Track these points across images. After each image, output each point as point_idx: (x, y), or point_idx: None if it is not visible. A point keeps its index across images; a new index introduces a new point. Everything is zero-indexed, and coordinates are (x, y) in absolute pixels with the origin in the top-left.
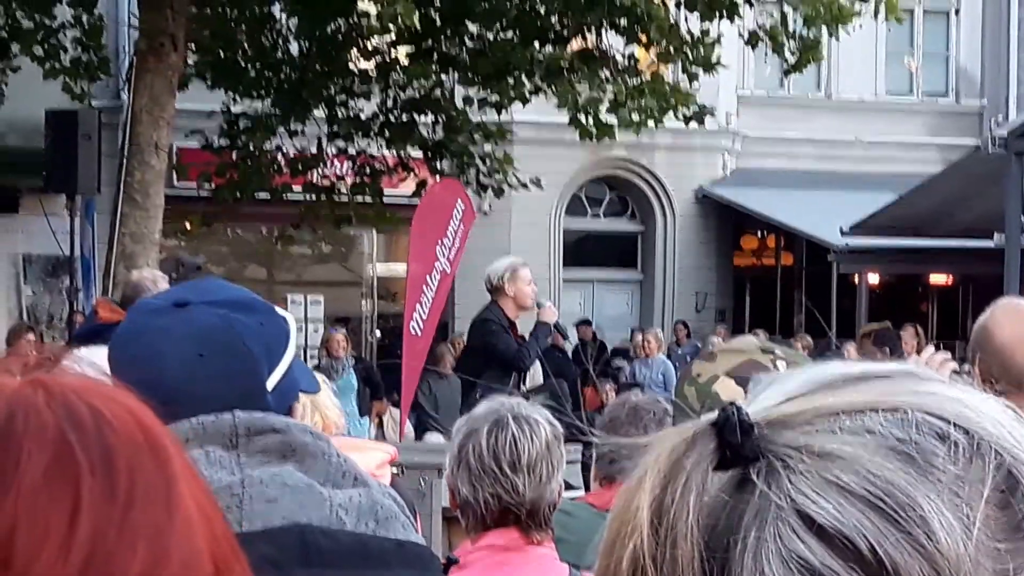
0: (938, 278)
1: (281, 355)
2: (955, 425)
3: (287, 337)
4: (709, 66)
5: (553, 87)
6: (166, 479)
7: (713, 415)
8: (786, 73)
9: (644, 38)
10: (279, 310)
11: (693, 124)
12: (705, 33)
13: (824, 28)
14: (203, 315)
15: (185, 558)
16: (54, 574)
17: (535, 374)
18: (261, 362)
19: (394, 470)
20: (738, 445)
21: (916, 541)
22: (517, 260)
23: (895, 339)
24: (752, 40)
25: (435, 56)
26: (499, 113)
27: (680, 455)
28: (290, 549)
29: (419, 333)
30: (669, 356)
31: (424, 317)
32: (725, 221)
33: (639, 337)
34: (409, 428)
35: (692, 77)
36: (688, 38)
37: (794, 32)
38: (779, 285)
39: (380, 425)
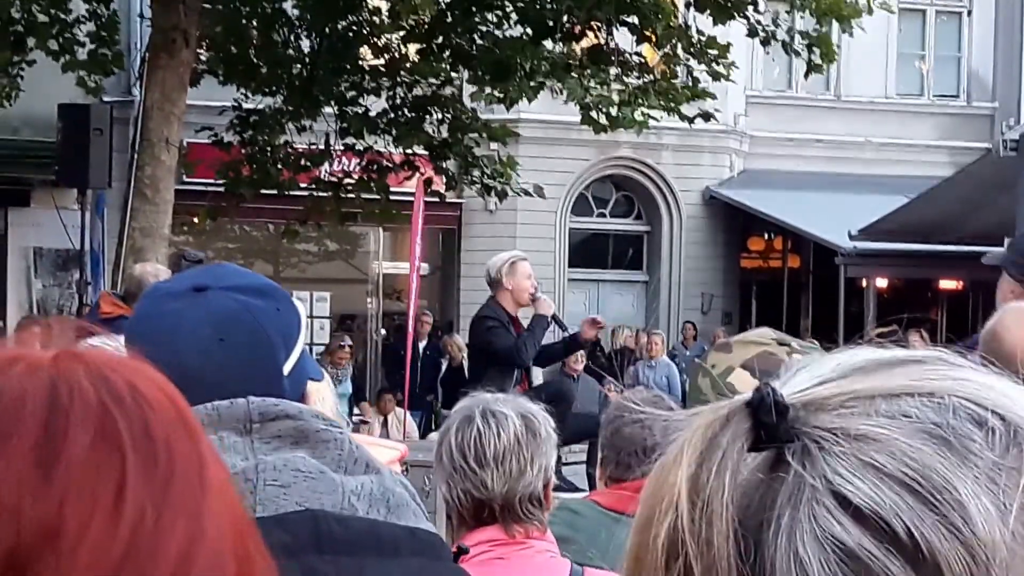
0: (948, 283)
1: (295, 341)
2: (992, 412)
3: (300, 324)
4: (717, 75)
5: (562, 83)
6: (199, 455)
7: (747, 395)
8: (805, 75)
9: (652, 36)
10: (292, 298)
11: (699, 122)
12: (713, 39)
13: (834, 24)
14: (222, 299)
15: (217, 534)
16: (102, 548)
17: (537, 375)
18: (279, 348)
19: (399, 468)
20: (773, 426)
21: (952, 524)
22: (517, 254)
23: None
24: (765, 40)
25: (445, 53)
26: (508, 107)
27: (716, 433)
28: (303, 535)
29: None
30: (674, 357)
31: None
32: (732, 222)
33: (643, 339)
34: (413, 426)
35: (695, 81)
36: (698, 40)
37: (804, 31)
38: (786, 288)
39: (385, 424)
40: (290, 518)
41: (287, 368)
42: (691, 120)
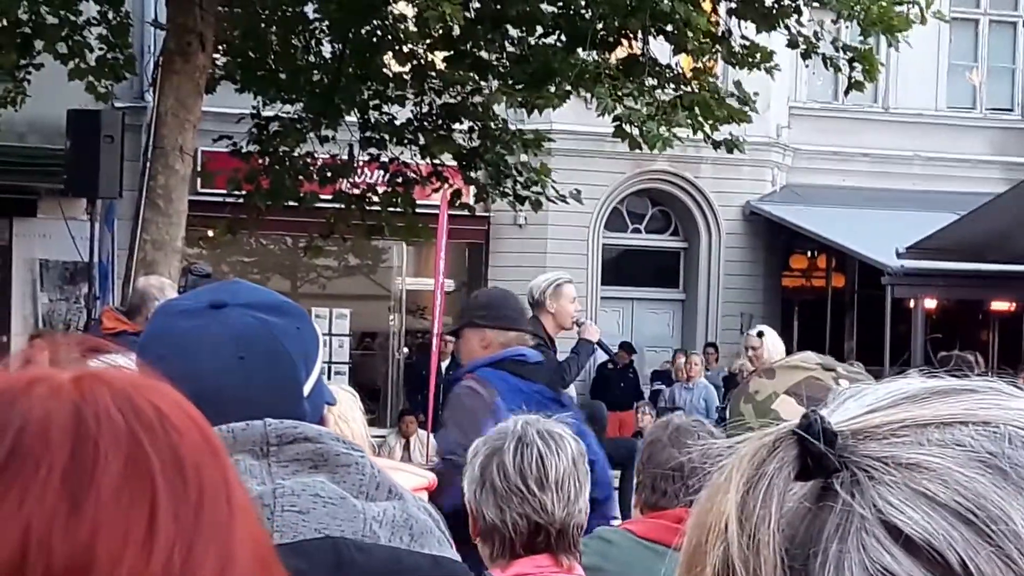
0: (999, 304)
1: (315, 361)
2: None
3: (319, 343)
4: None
5: (592, 93)
6: (226, 480)
7: (794, 422)
8: (846, 91)
9: (688, 46)
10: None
11: (739, 136)
12: (756, 45)
13: (882, 37)
14: (240, 317)
15: (246, 559)
16: None
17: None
18: (300, 367)
19: (426, 496)
20: (821, 454)
21: (1008, 556)
22: (562, 276)
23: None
24: (805, 53)
25: (472, 61)
26: (530, 113)
27: (762, 460)
28: (322, 563)
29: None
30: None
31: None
32: (773, 239)
33: (680, 360)
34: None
35: (742, 99)
36: (740, 48)
37: (848, 44)
38: (829, 308)
39: (407, 447)
40: (309, 545)
41: (307, 389)
42: (717, 146)
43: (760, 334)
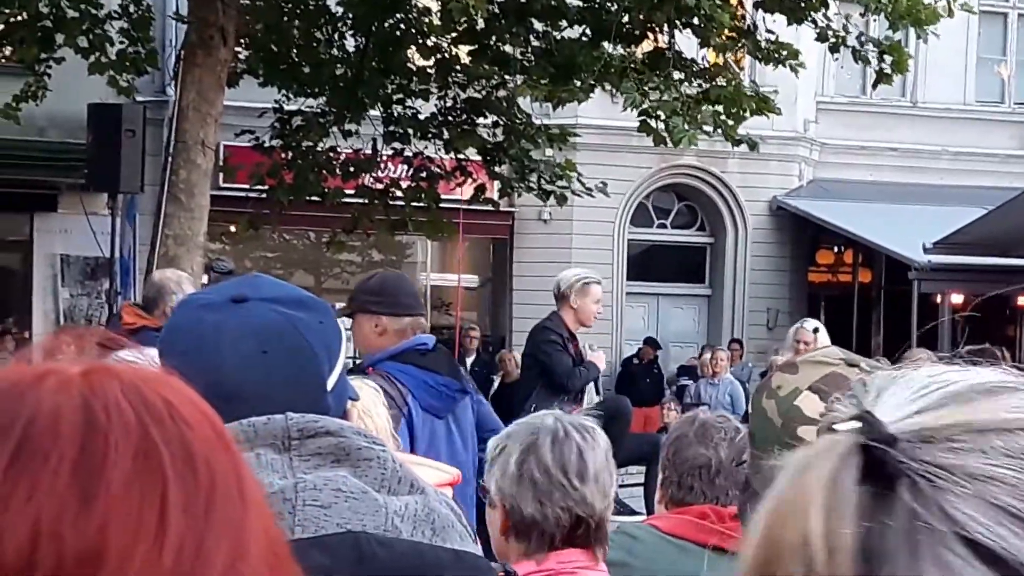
0: None
1: (338, 356)
2: None
3: (342, 338)
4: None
5: (617, 88)
6: (237, 474)
7: (853, 424)
8: (874, 85)
9: (714, 39)
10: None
11: (765, 129)
12: (781, 42)
13: (911, 30)
14: (263, 311)
15: (259, 552)
16: (148, 570)
17: (590, 391)
18: (323, 362)
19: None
20: (882, 461)
21: None
22: (592, 276)
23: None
24: (834, 46)
25: (496, 55)
26: (555, 108)
27: (835, 471)
28: (344, 557)
29: None
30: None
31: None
32: (800, 234)
33: (706, 355)
34: None
35: (761, 100)
36: (766, 43)
37: (876, 39)
38: (856, 303)
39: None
40: (330, 540)
41: (330, 383)
42: (737, 143)
43: (816, 330)
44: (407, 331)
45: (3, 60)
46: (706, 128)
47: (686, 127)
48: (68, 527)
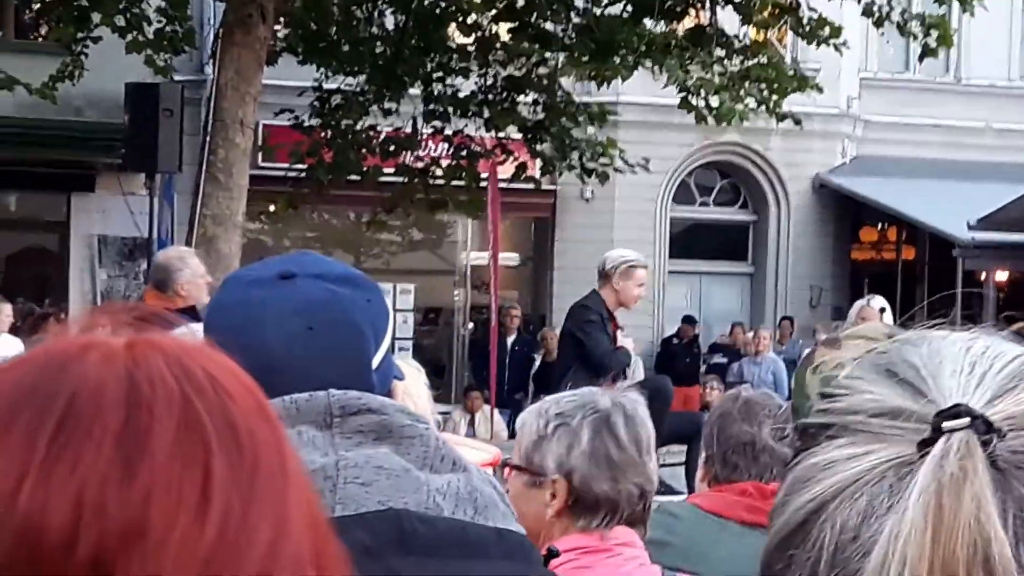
0: None
1: (384, 334)
2: None
3: (389, 316)
4: (821, 40)
5: (661, 65)
6: (279, 447)
7: (960, 423)
8: (920, 58)
9: (757, 16)
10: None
11: (808, 105)
12: (824, 19)
13: (955, 5)
14: (310, 288)
15: (301, 527)
16: (191, 543)
17: (636, 370)
18: (369, 340)
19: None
20: (993, 456)
21: None
22: (639, 259)
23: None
24: (878, 21)
25: (537, 32)
26: (599, 85)
27: (976, 474)
28: (385, 535)
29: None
30: None
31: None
32: (843, 212)
33: (748, 333)
34: (502, 425)
35: (797, 78)
36: (808, 20)
37: (920, 14)
38: (900, 281)
39: (472, 423)
40: (372, 517)
41: (376, 362)
42: (782, 118)
43: (883, 310)
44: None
45: (40, 39)
46: (750, 105)
47: (732, 104)
48: (112, 499)
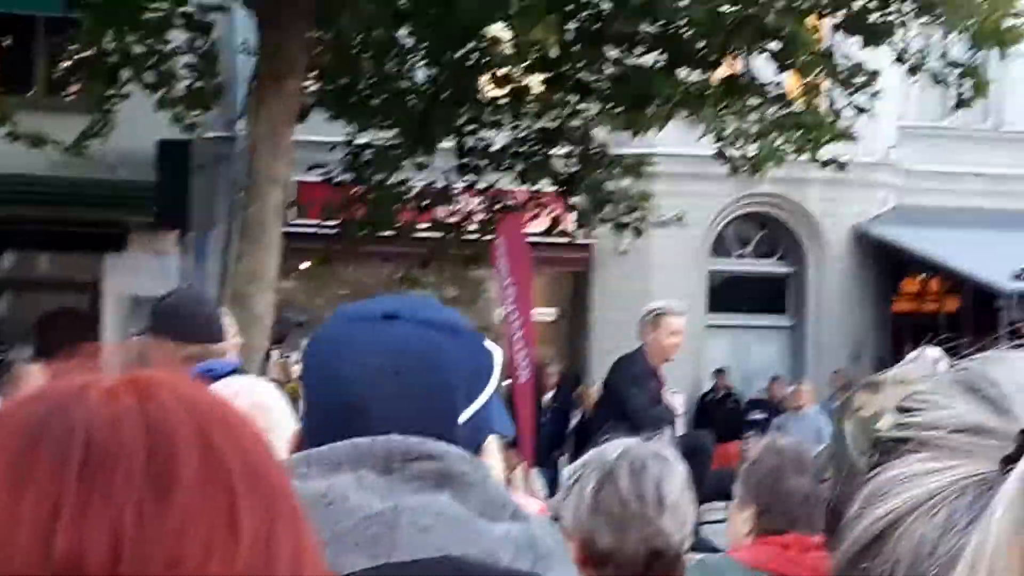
0: None
1: (482, 388)
2: None
3: (491, 370)
4: (856, 88)
5: (697, 114)
6: (280, 471)
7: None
8: (954, 108)
9: (794, 62)
10: (488, 343)
11: (843, 156)
12: (859, 66)
13: (991, 54)
14: (409, 331)
15: (314, 549)
16: (226, 569)
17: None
18: (459, 391)
19: None
20: None
21: None
22: (670, 306)
23: None
24: (912, 68)
25: (571, 84)
26: (634, 136)
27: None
28: None
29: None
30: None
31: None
32: (884, 262)
33: (788, 388)
34: (540, 484)
35: (836, 116)
36: (844, 68)
37: (954, 61)
38: (942, 333)
39: (508, 482)
40: (428, 564)
41: (465, 415)
42: (824, 164)
43: (937, 360)
44: (194, 358)
45: (70, 97)
46: (788, 151)
47: (775, 150)
48: (150, 532)
